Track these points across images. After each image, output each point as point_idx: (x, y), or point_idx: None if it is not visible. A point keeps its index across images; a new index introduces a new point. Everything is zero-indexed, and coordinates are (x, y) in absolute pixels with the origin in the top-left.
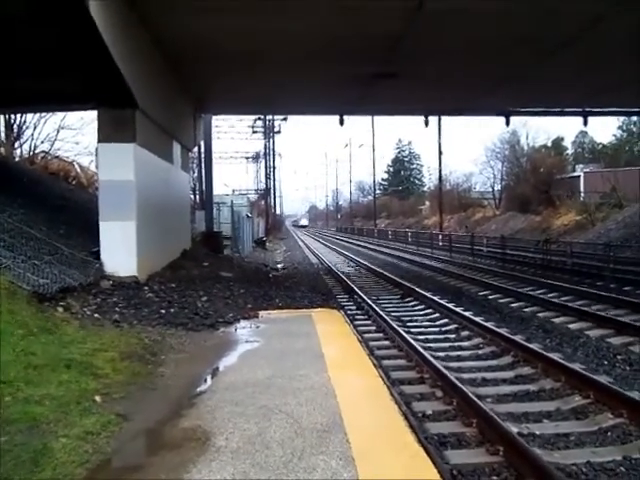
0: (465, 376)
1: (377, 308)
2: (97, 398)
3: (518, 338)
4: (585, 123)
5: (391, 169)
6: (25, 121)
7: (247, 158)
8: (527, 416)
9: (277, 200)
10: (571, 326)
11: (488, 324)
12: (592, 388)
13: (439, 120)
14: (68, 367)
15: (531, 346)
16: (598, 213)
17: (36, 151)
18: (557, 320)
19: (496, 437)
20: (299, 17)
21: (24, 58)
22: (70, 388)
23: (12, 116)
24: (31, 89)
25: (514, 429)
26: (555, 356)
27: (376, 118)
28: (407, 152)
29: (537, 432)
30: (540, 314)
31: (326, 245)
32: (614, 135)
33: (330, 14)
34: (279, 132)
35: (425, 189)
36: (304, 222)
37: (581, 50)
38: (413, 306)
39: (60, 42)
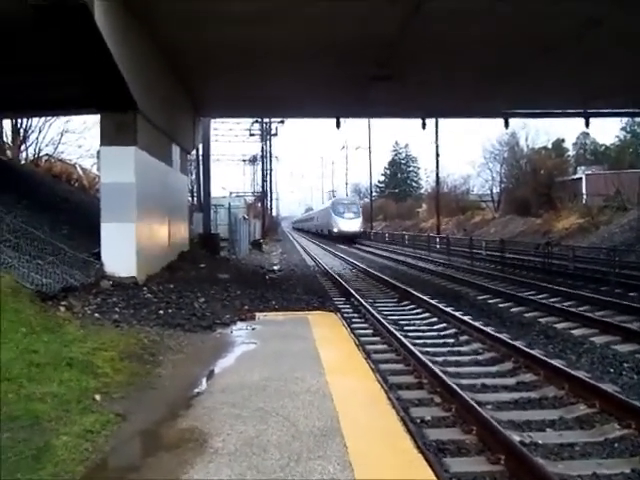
0: (464, 382)
1: (374, 311)
2: (97, 397)
3: (519, 344)
4: (587, 124)
5: (388, 171)
6: (31, 125)
7: (244, 160)
8: (529, 424)
9: (273, 202)
10: (574, 332)
11: (488, 329)
12: (598, 397)
13: (436, 122)
14: (69, 366)
15: (533, 352)
16: (601, 216)
17: (41, 154)
18: (559, 326)
19: (497, 445)
20: (298, 22)
21: (29, 65)
22: (71, 386)
23: (18, 120)
24: (36, 94)
25: (516, 437)
26: (558, 363)
27: (373, 121)
28: (404, 155)
29: (540, 441)
30: (542, 319)
31: (322, 247)
32: (617, 136)
33: (327, 19)
34: (276, 135)
35: (422, 191)
36: (352, 225)
37: (581, 50)
38: (410, 310)
39: (64, 48)
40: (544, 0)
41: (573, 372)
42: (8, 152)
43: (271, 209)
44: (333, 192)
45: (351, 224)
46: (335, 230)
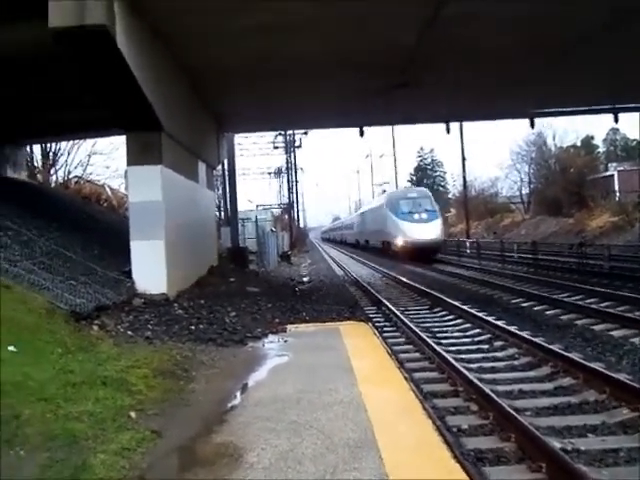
0: (500, 388)
1: (405, 319)
2: (132, 414)
3: (556, 347)
4: (616, 120)
5: (414, 177)
6: (60, 148)
7: (269, 173)
8: (570, 430)
9: (300, 213)
10: (614, 333)
11: (523, 333)
12: None
13: (461, 126)
14: (104, 384)
15: (570, 355)
16: (636, 213)
17: (70, 176)
18: (597, 328)
19: (537, 453)
20: (315, 34)
21: (54, 89)
22: (106, 405)
23: (48, 145)
24: (63, 118)
25: (556, 444)
26: (597, 366)
27: (396, 127)
28: (429, 160)
29: (582, 447)
30: (578, 322)
31: (349, 256)
32: None
33: (346, 28)
34: (300, 146)
35: (450, 196)
36: (430, 230)
37: (603, 47)
38: (442, 316)
39: (87, 71)
40: None
41: (614, 374)
42: (39, 176)
43: (298, 220)
44: (359, 201)
45: (427, 229)
46: (400, 241)
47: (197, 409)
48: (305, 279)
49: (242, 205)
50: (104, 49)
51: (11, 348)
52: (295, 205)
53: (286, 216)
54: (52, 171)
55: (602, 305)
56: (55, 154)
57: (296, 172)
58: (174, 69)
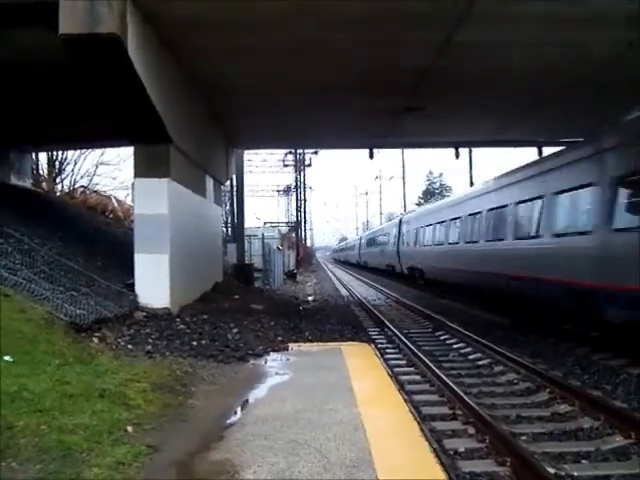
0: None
1: (408, 342)
2: (129, 428)
3: None
4: None
5: (422, 201)
6: (66, 158)
7: (278, 191)
8: (564, 456)
9: (308, 232)
10: None
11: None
12: None
13: (470, 152)
14: (102, 397)
15: None
16: None
17: (76, 186)
18: None
19: (532, 478)
20: (331, 55)
21: (63, 98)
22: (103, 418)
23: (54, 153)
24: (70, 127)
25: (551, 470)
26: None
27: (406, 150)
28: (438, 184)
29: (575, 473)
30: None
31: (356, 277)
32: None
33: (360, 50)
34: (310, 165)
35: None
36: None
37: (619, 77)
38: (444, 340)
39: (96, 81)
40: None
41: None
42: (44, 184)
43: (305, 239)
44: (367, 223)
45: None
46: None
47: (195, 425)
48: (310, 298)
49: (250, 222)
50: (115, 58)
51: (7, 358)
52: (303, 224)
53: (293, 234)
54: (57, 180)
55: None
56: (61, 163)
57: (305, 191)
58: (185, 82)
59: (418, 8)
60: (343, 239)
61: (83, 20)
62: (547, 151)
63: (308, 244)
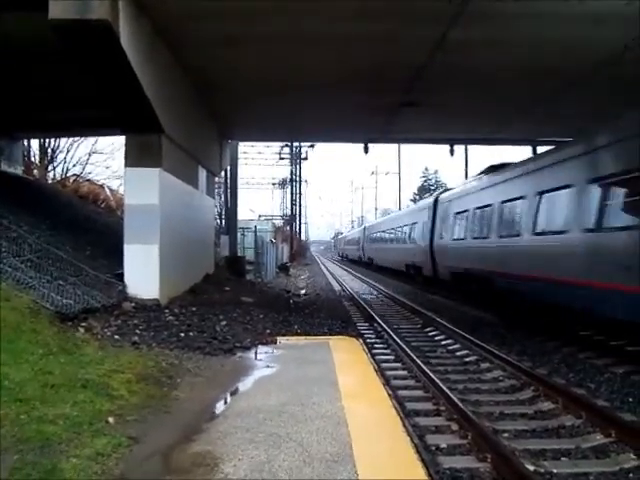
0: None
1: (396, 337)
2: (110, 419)
3: None
4: None
5: (417, 197)
6: (59, 145)
7: (274, 184)
8: (544, 453)
9: (302, 226)
10: None
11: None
12: None
13: (465, 150)
14: (84, 387)
15: None
16: None
17: (68, 174)
18: None
19: (511, 474)
20: (330, 49)
21: (55, 84)
22: (84, 408)
23: (46, 140)
24: (62, 114)
25: (530, 466)
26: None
27: (403, 146)
28: (433, 180)
29: (554, 470)
30: None
31: (349, 272)
32: None
33: (359, 45)
34: (306, 159)
35: None
36: None
37: (618, 75)
38: (433, 336)
39: (87, 68)
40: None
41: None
42: (35, 172)
43: (300, 233)
44: (362, 218)
45: None
46: None
47: (178, 417)
48: (301, 292)
49: (244, 214)
50: (106, 45)
51: None
52: (297, 217)
53: (287, 228)
54: (49, 167)
55: None
56: (54, 150)
57: (300, 184)
58: (178, 71)
59: (416, 5)
60: (338, 233)
61: (74, 5)
62: (542, 150)
63: (303, 238)
